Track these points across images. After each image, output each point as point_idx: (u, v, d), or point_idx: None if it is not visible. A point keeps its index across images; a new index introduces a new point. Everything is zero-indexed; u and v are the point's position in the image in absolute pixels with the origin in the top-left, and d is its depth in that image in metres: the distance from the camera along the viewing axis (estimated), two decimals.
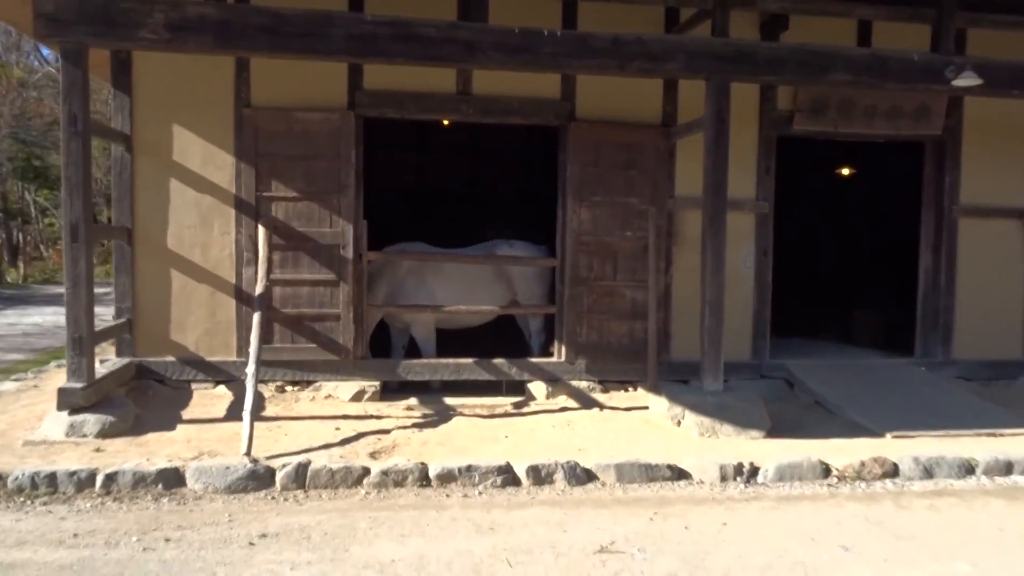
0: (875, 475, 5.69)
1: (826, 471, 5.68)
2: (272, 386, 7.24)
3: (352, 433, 6.11)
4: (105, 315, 8.06)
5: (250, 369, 5.95)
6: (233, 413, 6.49)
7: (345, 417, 6.58)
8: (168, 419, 6.24)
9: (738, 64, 6.58)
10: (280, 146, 7.15)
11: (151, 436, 5.83)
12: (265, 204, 7.17)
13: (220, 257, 7.19)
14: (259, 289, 6.65)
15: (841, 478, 5.64)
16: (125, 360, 7.02)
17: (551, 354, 7.83)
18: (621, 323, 7.74)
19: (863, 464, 5.74)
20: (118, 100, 7.03)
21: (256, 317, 6.39)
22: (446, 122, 10.89)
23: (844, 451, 6.00)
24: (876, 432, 6.60)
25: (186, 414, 6.44)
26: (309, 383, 7.34)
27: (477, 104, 7.47)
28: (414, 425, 6.46)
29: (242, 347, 7.19)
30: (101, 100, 19.19)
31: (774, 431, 6.51)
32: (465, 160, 13.43)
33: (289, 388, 7.28)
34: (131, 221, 7.06)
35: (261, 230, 7.00)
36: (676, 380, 7.68)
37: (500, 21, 6.36)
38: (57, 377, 7.43)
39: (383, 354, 7.99)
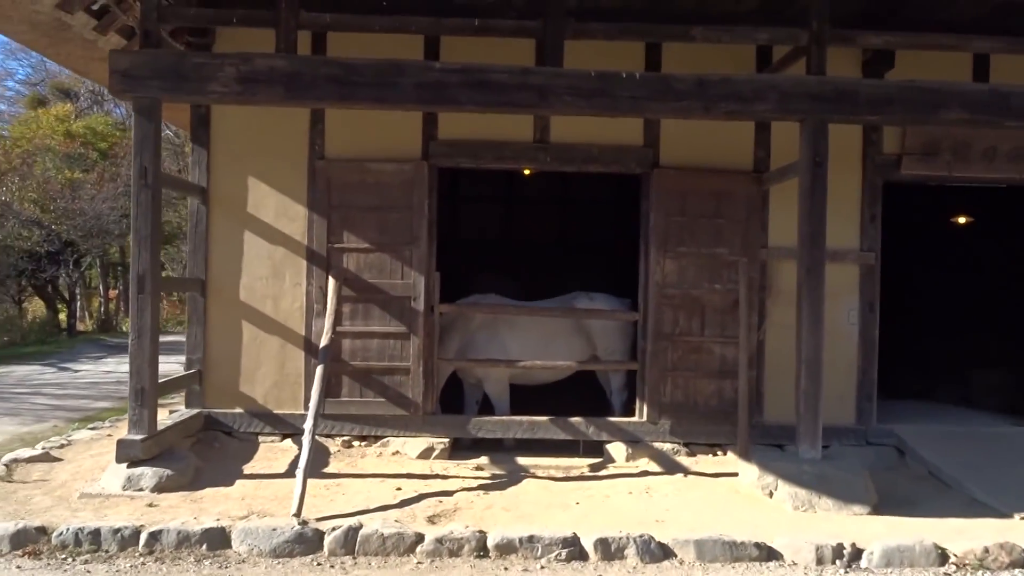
0: (1002, 564, 4.92)
1: (942, 557, 4.96)
2: (339, 441, 7.02)
3: (413, 494, 5.78)
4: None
5: (308, 424, 5.74)
6: (295, 469, 6.28)
7: (409, 476, 6.27)
8: (228, 473, 6.08)
9: (836, 104, 6.06)
10: (353, 197, 7.05)
11: (207, 492, 5.66)
12: (336, 255, 7.05)
13: (291, 309, 7.09)
14: (324, 341, 6.48)
15: (960, 566, 4.90)
16: (193, 411, 6.96)
17: (632, 413, 7.33)
18: (709, 382, 7.19)
19: (987, 550, 4.98)
20: (196, 154, 7.11)
21: (319, 370, 6.21)
22: (528, 171, 10.75)
23: (963, 533, 5.25)
24: (1002, 512, 5.78)
25: (248, 468, 6.27)
26: (377, 438, 7.09)
27: (555, 152, 7.19)
28: (480, 487, 6.08)
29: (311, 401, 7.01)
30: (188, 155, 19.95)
31: (881, 507, 5.79)
32: (552, 210, 13.14)
33: (356, 443, 7.05)
34: (205, 272, 7.07)
35: (331, 281, 6.87)
36: (770, 444, 7.05)
37: (581, 66, 6.07)
38: None
39: (458, 409, 7.68)
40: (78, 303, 23.21)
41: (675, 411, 7.14)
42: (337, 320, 6.95)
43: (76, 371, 13.74)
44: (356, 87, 5.84)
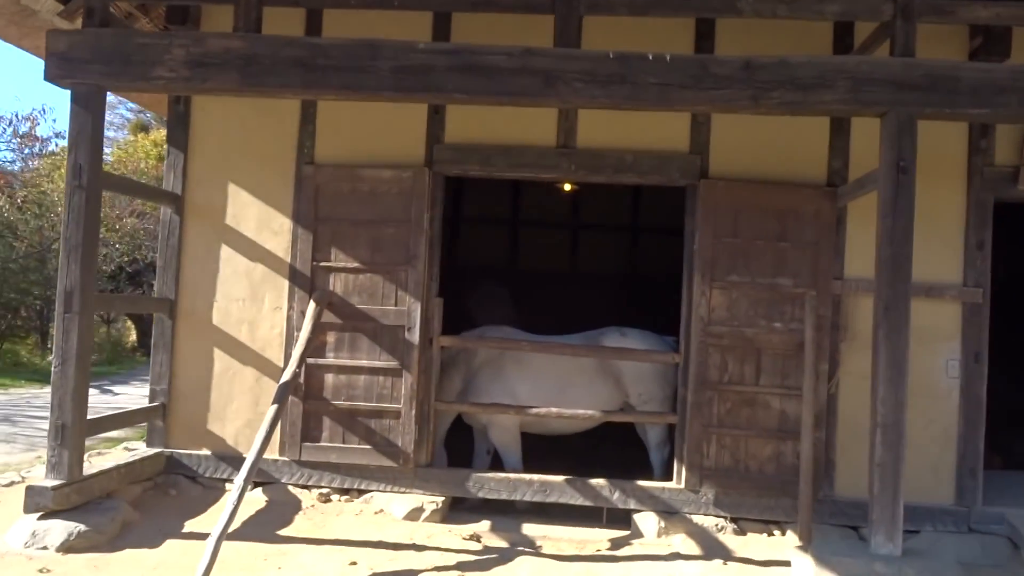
0: None
1: None
2: (316, 493, 5.97)
3: (366, 573, 4.65)
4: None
5: (238, 479, 4.73)
6: (252, 527, 5.29)
7: (378, 545, 5.15)
8: (164, 531, 5.11)
9: (928, 93, 4.70)
10: (343, 208, 6.07)
11: (123, 554, 4.69)
12: (322, 275, 6.06)
13: (269, 336, 6.13)
14: (285, 375, 5.47)
15: None
16: (153, 451, 6.06)
17: (670, 476, 6.01)
18: (764, 443, 5.81)
19: None
20: (171, 157, 6.28)
21: (271, 412, 5.19)
22: (568, 187, 9.58)
23: None
24: None
25: (191, 525, 5.29)
26: (361, 492, 6.01)
27: (581, 159, 6.02)
28: (458, 566, 4.89)
29: (286, 444, 6.02)
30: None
31: None
32: (619, 236, 11.77)
33: (336, 497, 5.98)
34: (175, 292, 6.20)
35: (311, 305, 5.88)
36: (842, 525, 5.66)
37: (614, 48, 4.90)
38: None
39: (466, 459, 6.54)
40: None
41: (721, 477, 5.79)
42: (318, 351, 5.97)
43: (116, 394, 13.25)
44: (323, 72, 4.86)
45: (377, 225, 6.03)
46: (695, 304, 5.85)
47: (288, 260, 6.13)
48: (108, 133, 30.44)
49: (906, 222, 4.68)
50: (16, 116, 18.57)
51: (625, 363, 6.27)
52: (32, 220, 18.39)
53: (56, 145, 19.14)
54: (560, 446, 6.95)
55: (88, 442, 8.31)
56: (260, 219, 6.19)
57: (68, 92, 5.04)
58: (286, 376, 5.45)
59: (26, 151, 19.25)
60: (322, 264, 6.06)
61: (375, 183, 6.04)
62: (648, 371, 6.31)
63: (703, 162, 5.98)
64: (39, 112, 17.36)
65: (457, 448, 6.63)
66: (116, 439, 8.55)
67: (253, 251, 6.18)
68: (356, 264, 6.03)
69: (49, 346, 19.61)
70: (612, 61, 4.79)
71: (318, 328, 5.94)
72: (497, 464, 6.44)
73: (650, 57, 4.78)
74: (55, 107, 35.95)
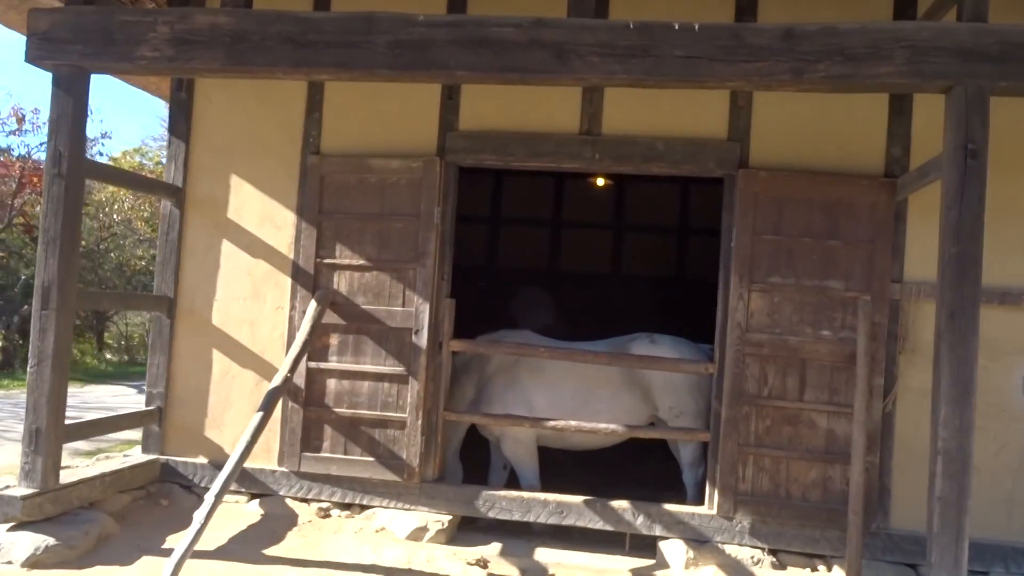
0: None
1: None
2: (315, 508, 5.54)
3: None
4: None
5: (209, 495, 4.31)
6: (238, 544, 4.89)
7: (369, 570, 4.67)
8: (143, 545, 4.73)
9: (1001, 64, 4.03)
10: (349, 202, 5.65)
11: (96, 571, 4.32)
12: (325, 273, 5.65)
13: (271, 338, 5.74)
14: (276, 380, 5.04)
15: None
16: (147, 457, 5.72)
17: (702, 500, 5.41)
18: (808, 466, 5.16)
19: None
20: (172, 147, 5.94)
21: (255, 421, 4.76)
22: (602, 182, 9.03)
23: None
24: None
25: (174, 539, 4.88)
26: (364, 508, 5.56)
27: (606, 147, 5.47)
28: None
29: (285, 453, 5.62)
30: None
31: None
32: (666, 238, 11.15)
33: (336, 512, 5.54)
34: (174, 289, 5.85)
35: (311, 305, 5.47)
36: (897, 562, 5.01)
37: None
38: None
39: (485, 472, 6.04)
40: None
41: (759, 503, 5.16)
42: (320, 354, 5.57)
43: None
44: (314, 49, 4.44)
45: (385, 219, 5.59)
46: (731, 309, 5.24)
47: (291, 257, 5.74)
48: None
49: (975, 215, 4.00)
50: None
51: (655, 373, 5.68)
52: (87, 220, 18.62)
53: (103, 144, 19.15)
54: (586, 460, 6.41)
55: (101, 444, 8.16)
56: (263, 213, 5.81)
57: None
58: (276, 381, 5.03)
59: None
60: (326, 261, 5.65)
61: (383, 174, 5.60)
62: (680, 382, 5.71)
63: (743, 150, 5.37)
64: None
65: (477, 461, 6.14)
66: (134, 440, 8.30)
67: (255, 247, 5.80)
68: (362, 261, 5.60)
69: (106, 344, 19.83)
70: (632, 32, 4.24)
71: (320, 330, 5.54)
72: (514, 480, 5.92)
73: (676, 27, 4.22)
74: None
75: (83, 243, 18.60)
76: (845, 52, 4.10)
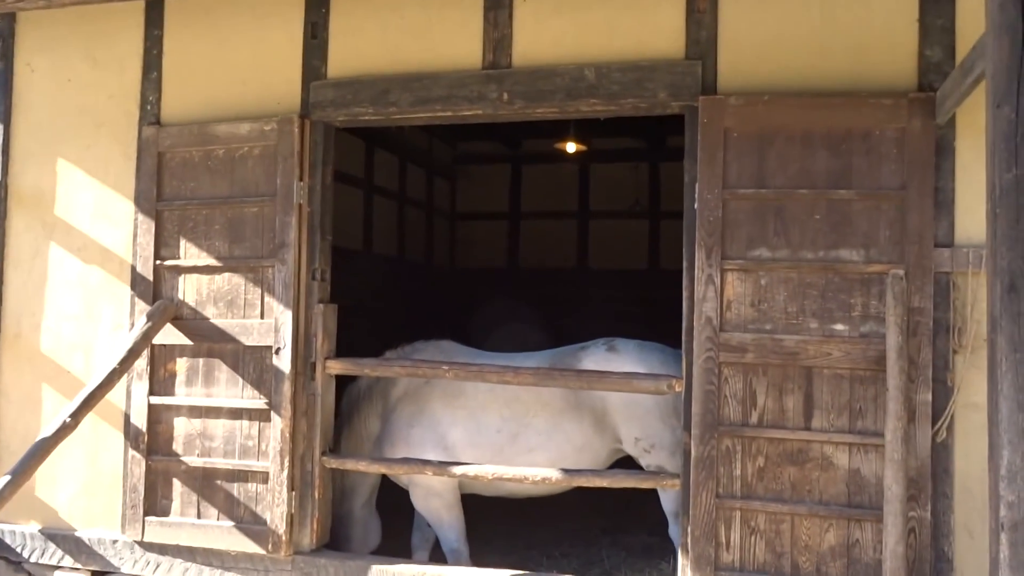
0: None
1: None
2: None
3: None
4: None
5: None
6: None
7: None
8: None
9: None
10: (194, 184, 4.31)
11: None
12: (168, 279, 4.32)
13: (108, 367, 4.43)
14: (51, 426, 3.72)
15: None
16: None
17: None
18: (824, 525, 3.49)
19: None
20: None
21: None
22: (574, 147, 7.46)
23: None
24: None
25: None
26: None
27: (517, 84, 3.93)
28: None
29: (127, 517, 4.29)
30: None
31: None
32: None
33: None
34: None
35: (139, 322, 4.15)
36: None
37: None
38: None
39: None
40: None
41: None
42: (165, 386, 4.27)
43: None
44: None
45: (236, 204, 4.22)
46: (699, 298, 3.63)
47: (130, 260, 4.43)
48: None
49: None
50: None
51: (614, 395, 4.11)
52: None
53: None
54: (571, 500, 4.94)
55: None
56: (97, 207, 4.53)
57: None
58: (51, 428, 3.71)
59: None
60: (168, 263, 4.31)
61: (232, 144, 4.23)
62: (650, 405, 4.12)
63: (706, 70, 3.74)
64: None
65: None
66: None
67: (89, 250, 4.52)
68: (211, 261, 4.24)
69: None
70: None
71: (165, 354, 4.23)
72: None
73: None
74: None
75: None
76: None
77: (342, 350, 4.24)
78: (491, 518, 5.57)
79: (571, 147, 7.56)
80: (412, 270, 9.68)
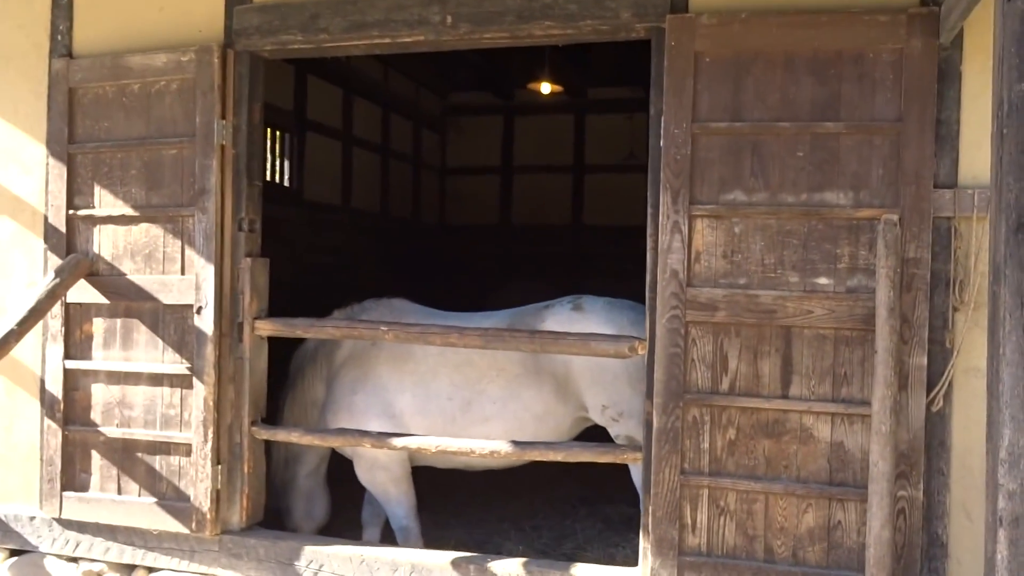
0: None
1: None
2: (82, 570, 3.85)
3: None
4: None
5: None
6: None
7: None
8: None
9: None
10: (109, 123, 3.87)
11: None
12: (83, 230, 3.91)
13: None
14: None
15: None
16: None
17: (632, 559, 3.41)
18: (802, 505, 3.07)
19: None
20: None
21: None
22: (548, 88, 6.98)
23: None
24: None
25: None
26: (150, 570, 3.83)
27: (464, 5, 3.43)
28: None
29: (44, 492, 3.93)
30: None
31: None
32: None
33: None
34: None
35: (47, 279, 3.74)
36: None
37: None
38: None
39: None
40: None
41: (719, 568, 3.13)
42: (82, 349, 3.89)
43: None
44: None
45: (153, 146, 3.78)
46: (663, 249, 3.18)
47: (43, 210, 4.01)
48: None
49: None
50: None
51: (577, 359, 3.70)
52: None
53: None
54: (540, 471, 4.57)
55: None
56: (6, 150, 4.09)
57: None
58: None
59: None
60: (81, 213, 3.89)
61: (147, 77, 3.78)
62: (618, 369, 3.71)
63: None
64: None
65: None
66: None
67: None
68: (127, 210, 3.82)
69: None
70: None
71: (81, 313, 3.84)
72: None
73: None
74: None
75: None
76: None
77: (314, 312, 3.86)
78: (465, 487, 5.26)
79: (546, 87, 6.99)
80: (397, 227, 9.28)
